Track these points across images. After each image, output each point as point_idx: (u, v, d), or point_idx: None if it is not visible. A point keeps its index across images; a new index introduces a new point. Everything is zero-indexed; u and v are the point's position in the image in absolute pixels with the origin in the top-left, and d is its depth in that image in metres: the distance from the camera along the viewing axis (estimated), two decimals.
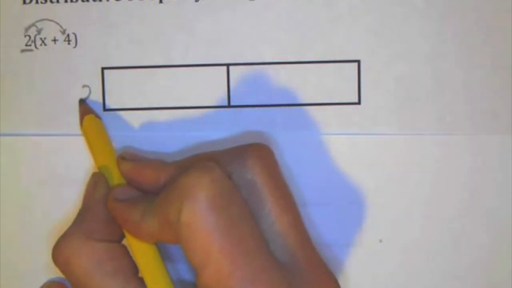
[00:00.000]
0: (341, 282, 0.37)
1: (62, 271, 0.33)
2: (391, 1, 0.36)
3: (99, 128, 0.36)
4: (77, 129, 0.37)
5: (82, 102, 0.37)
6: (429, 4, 0.36)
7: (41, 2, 0.37)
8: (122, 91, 0.37)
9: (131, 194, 0.33)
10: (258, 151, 0.33)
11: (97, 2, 0.37)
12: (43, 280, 0.37)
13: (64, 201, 0.37)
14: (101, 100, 0.37)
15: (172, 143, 0.37)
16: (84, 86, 0.37)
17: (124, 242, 0.34)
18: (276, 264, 0.30)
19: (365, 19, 0.36)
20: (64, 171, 0.37)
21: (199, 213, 0.30)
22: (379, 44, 0.36)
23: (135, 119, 0.37)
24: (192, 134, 0.37)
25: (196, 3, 0.36)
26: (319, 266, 0.32)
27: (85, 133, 0.36)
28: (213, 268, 0.29)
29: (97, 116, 0.36)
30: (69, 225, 0.34)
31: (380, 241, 0.37)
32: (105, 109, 0.37)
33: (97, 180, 0.35)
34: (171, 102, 0.37)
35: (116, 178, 0.34)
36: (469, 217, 0.37)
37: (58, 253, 0.33)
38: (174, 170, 0.34)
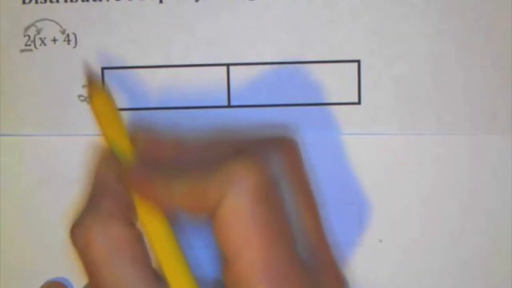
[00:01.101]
0: None
1: (81, 254, 0.32)
2: (391, 1, 0.36)
3: (109, 101, 0.35)
4: (77, 129, 0.37)
5: (88, 67, 0.36)
6: (429, 4, 0.36)
7: (41, 2, 0.37)
8: (122, 91, 0.37)
9: (147, 167, 0.32)
10: (285, 145, 0.33)
11: (97, 2, 0.37)
12: (43, 280, 0.37)
13: (64, 201, 0.37)
14: None
15: None
16: (84, 86, 0.37)
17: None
18: (302, 263, 0.30)
19: (365, 19, 0.36)
20: (64, 171, 0.37)
21: (244, 201, 0.29)
22: (379, 44, 0.36)
23: (135, 119, 0.37)
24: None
25: (196, 3, 0.36)
26: (332, 267, 0.32)
27: (93, 106, 0.35)
28: (247, 259, 0.29)
29: (107, 90, 0.35)
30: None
31: (380, 241, 0.37)
32: None
33: (109, 158, 0.34)
34: (171, 102, 0.37)
35: (128, 156, 0.33)
36: (469, 217, 0.37)
37: (79, 236, 0.32)
38: (196, 153, 0.33)
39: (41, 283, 0.37)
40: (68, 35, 0.37)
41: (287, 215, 0.31)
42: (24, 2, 0.37)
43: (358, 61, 0.36)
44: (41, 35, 0.37)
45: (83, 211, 0.32)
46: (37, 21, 0.37)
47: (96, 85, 0.35)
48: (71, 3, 0.37)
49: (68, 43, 0.37)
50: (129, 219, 0.32)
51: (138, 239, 0.32)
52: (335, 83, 0.37)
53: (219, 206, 0.30)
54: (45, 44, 0.37)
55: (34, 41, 0.37)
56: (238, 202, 0.29)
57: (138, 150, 0.33)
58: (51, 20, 0.37)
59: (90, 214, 0.32)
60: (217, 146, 0.33)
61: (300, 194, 0.32)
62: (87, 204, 0.33)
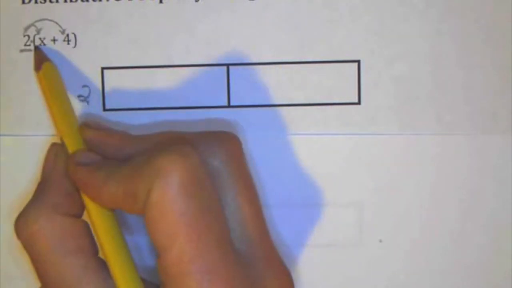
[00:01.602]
0: (341, 283, 0.37)
1: (25, 245, 0.32)
2: (391, 1, 0.36)
3: (57, 80, 0.35)
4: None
5: (38, 48, 0.36)
6: (428, 4, 0.36)
7: (40, 2, 0.37)
8: (122, 91, 0.37)
9: (93, 158, 0.33)
10: (226, 140, 0.33)
11: (97, 2, 0.37)
12: None
13: None
14: (101, 100, 0.37)
15: None
16: (84, 86, 0.37)
17: (84, 217, 0.33)
18: (236, 255, 0.31)
19: (365, 19, 0.36)
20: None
21: (169, 195, 0.29)
22: (379, 44, 0.36)
23: (135, 119, 0.37)
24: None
25: (196, 3, 0.36)
26: (274, 259, 0.33)
27: (42, 85, 0.35)
28: (175, 252, 0.30)
29: (55, 65, 0.36)
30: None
31: (380, 241, 0.37)
32: (105, 109, 0.37)
33: (58, 151, 0.34)
34: (171, 102, 0.37)
35: (77, 143, 0.34)
36: (469, 217, 0.37)
37: (23, 227, 0.32)
38: (140, 143, 0.34)
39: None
40: (67, 35, 0.37)
41: (221, 208, 0.31)
42: (23, 2, 0.37)
43: (358, 61, 0.36)
44: (41, 35, 0.37)
45: (28, 203, 0.33)
46: (36, 21, 0.37)
47: (45, 58, 0.36)
48: (71, 3, 0.37)
49: (68, 43, 0.37)
50: (74, 210, 0.33)
51: (83, 230, 0.33)
52: (335, 83, 0.37)
53: (146, 201, 0.30)
54: (44, 44, 0.37)
55: (33, 41, 0.37)
56: (162, 196, 0.29)
57: (87, 140, 0.34)
58: (50, 20, 0.37)
59: (35, 206, 0.33)
60: (161, 139, 0.34)
61: (240, 187, 0.32)
62: (33, 196, 0.33)
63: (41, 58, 0.36)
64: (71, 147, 0.34)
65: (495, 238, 0.37)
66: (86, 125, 0.34)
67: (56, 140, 0.35)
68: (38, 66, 0.36)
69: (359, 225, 0.37)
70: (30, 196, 0.33)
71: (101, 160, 0.33)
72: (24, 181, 0.37)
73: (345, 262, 0.37)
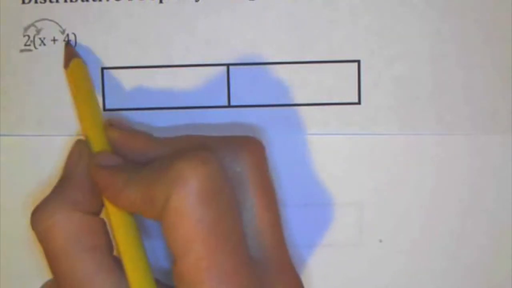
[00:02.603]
0: (341, 283, 0.37)
1: (40, 239, 0.32)
2: (391, 1, 0.36)
3: (86, 77, 0.35)
4: (77, 129, 0.36)
5: (68, 44, 0.36)
6: (428, 4, 0.36)
7: (40, 2, 0.37)
8: (122, 91, 0.37)
9: (115, 161, 0.33)
10: (250, 145, 0.33)
11: (97, 2, 0.37)
12: (43, 280, 0.37)
13: None
14: (101, 100, 0.37)
15: None
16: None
17: (103, 215, 0.33)
18: (251, 263, 0.31)
19: (365, 19, 0.36)
20: None
21: (188, 202, 0.29)
22: (379, 44, 0.36)
23: (135, 119, 0.37)
24: (192, 134, 0.37)
25: (196, 3, 0.36)
26: (287, 268, 0.33)
27: (70, 81, 0.35)
28: (192, 259, 0.29)
29: (84, 62, 0.36)
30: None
31: (380, 241, 0.37)
32: (105, 109, 0.37)
33: (82, 148, 0.34)
34: (171, 102, 0.37)
35: (101, 142, 0.34)
36: (469, 217, 0.37)
37: (40, 221, 0.32)
38: (163, 147, 0.33)
39: (41, 283, 0.37)
40: (68, 35, 0.37)
41: (239, 215, 0.31)
42: (23, 2, 0.37)
43: (358, 61, 0.36)
44: (41, 35, 0.37)
45: (47, 197, 0.33)
46: (36, 21, 0.37)
47: (74, 54, 0.36)
48: (71, 3, 0.37)
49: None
50: (93, 208, 0.33)
51: (100, 228, 0.33)
52: (335, 83, 0.37)
53: (165, 207, 0.30)
54: (44, 44, 0.37)
55: (33, 41, 0.37)
56: (181, 202, 0.29)
57: (111, 140, 0.34)
58: (50, 20, 0.37)
59: (53, 200, 0.32)
60: (183, 144, 0.33)
61: (261, 194, 0.32)
62: (53, 191, 0.33)
63: (70, 55, 0.36)
64: (95, 147, 0.34)
65: (495, 238, 0.37)
66: (111, 125, 0.34)
67: (81, 137, 0.35)
68: (66, 63, 0.36)
69: (359, 225, 0.37)
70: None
71: (123, 163, 0.33)
72: (24, 181, 0.37)
73: (345, 262, 0.37)
